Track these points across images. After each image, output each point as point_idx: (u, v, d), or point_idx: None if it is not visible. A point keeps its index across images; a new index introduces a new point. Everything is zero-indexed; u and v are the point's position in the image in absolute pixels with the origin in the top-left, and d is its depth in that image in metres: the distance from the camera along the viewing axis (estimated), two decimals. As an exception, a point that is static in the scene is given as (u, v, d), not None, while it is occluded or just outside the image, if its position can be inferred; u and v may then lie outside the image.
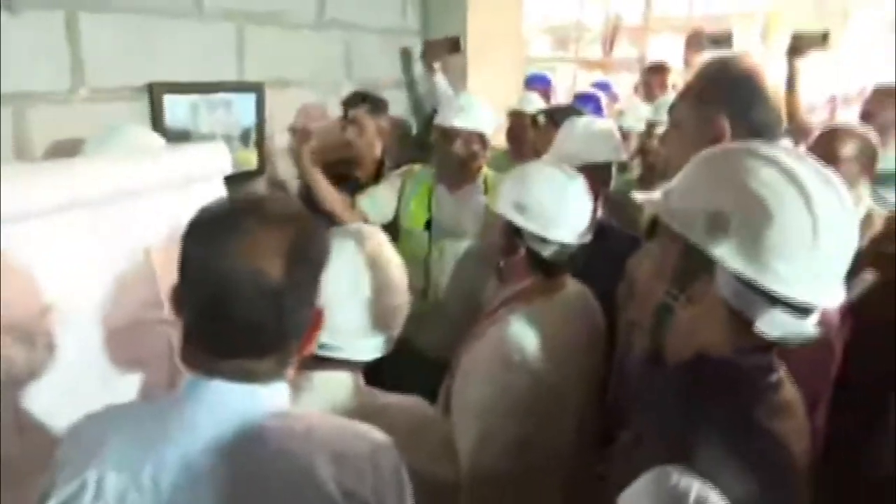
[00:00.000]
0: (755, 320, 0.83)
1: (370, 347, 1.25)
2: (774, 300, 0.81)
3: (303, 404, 1.14)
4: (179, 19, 2.28)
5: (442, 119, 2.44)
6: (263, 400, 0.86)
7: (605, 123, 2.21)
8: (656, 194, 0.95)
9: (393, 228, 2.49)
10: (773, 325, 0.82)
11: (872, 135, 2.11)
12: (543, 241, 1.51)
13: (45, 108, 1.96)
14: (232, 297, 0.81)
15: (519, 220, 1.52)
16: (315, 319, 0.91)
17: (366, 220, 2.37)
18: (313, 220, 0.91)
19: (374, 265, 1.25)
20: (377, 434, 0.91)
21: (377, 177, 2.67)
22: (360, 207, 2.48)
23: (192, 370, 0.85)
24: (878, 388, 1.31)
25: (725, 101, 1.26)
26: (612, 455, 1.00)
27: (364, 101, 2.61)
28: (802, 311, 0.83)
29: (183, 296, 0.86)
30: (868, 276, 1.76)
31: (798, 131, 2.94)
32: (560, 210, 1.52)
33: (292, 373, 0.91)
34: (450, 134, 2.39)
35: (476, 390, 1.48)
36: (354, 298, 1.22)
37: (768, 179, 0.82)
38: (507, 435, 1.45)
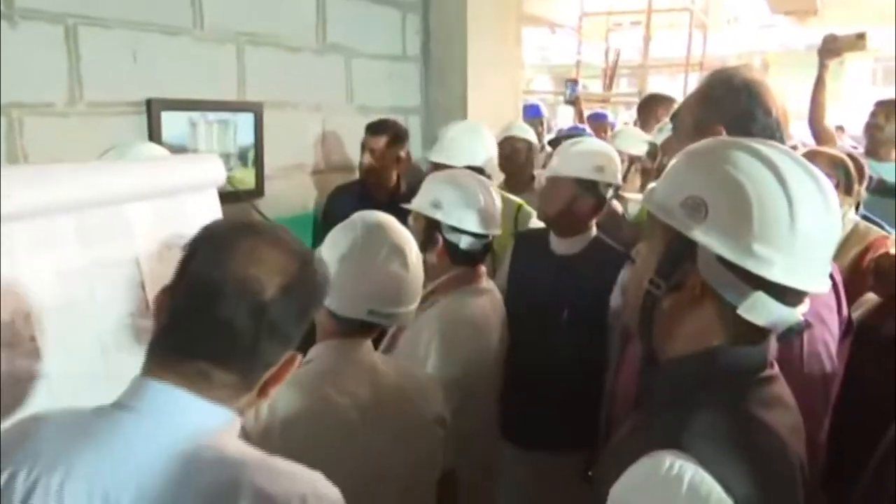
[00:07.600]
0: (738, 305, 0.82)
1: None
2: (757, 284, 0.81)
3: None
4: (179, 37, 2.30)
5: (430, 154, 2.59)
6: (215, 421, 0.83)
7: (590, 145, 2.14)
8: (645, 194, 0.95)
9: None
10: (756, 310, 0.81)
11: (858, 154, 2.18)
12: (458, 232, 1.73)
13: (41, 119, 1.96)
14: (219, 295, 0.81)
15: (437, 215, 1.73)
16: (288, 362, 0.89)
17: None
18: (322, 265, 0.92)
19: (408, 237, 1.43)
20: (320, 484, 0.85)
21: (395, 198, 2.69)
22: None
23: (150, 374, 0.84)
24: (879, 409, 1.28)
25: (725, 110, 1.26)
26: (602, 455, 0.97)
27: (395, 131, 2.69)
28: (791, 300, 0.83)
29: (170, 298, 0.85)
30: (870, 296, 1.76)
31: (821, 136, 2.98)
32: (470, 204, 1.75)
33: (245, 406, 0.88)
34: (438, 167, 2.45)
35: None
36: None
37: (743, 164, 0.83)
38: None
